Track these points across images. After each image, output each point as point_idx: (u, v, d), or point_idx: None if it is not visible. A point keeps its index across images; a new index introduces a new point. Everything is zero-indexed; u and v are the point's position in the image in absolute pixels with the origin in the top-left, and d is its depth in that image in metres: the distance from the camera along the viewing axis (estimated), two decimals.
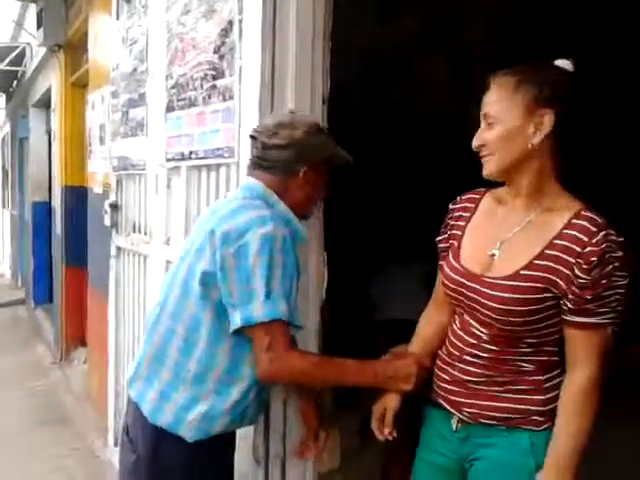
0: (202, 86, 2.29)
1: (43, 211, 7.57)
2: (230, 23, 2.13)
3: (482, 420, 1.50)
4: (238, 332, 1.55)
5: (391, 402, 1.66)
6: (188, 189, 2.40)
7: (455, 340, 1.55)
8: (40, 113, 7.87)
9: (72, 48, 5.53)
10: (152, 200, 2.75)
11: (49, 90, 6.47)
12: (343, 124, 5.08)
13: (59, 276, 6.02)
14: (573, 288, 1.35)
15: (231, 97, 2.13)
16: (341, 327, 4.36)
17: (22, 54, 7.86)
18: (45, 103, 7.20)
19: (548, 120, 1.38)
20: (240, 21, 2.08)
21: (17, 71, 8.50)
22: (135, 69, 2.92)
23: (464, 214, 1.59)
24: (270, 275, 1.50)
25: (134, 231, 3.08)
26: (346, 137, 4.88)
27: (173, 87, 2.47)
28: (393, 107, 5.40)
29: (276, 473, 2.08)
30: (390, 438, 1.66)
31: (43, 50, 6.24)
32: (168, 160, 2.53)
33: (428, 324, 1.70)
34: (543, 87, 1.39)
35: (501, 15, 5.01)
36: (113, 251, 3.37)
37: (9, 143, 11.15)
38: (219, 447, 1.67)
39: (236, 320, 1.52)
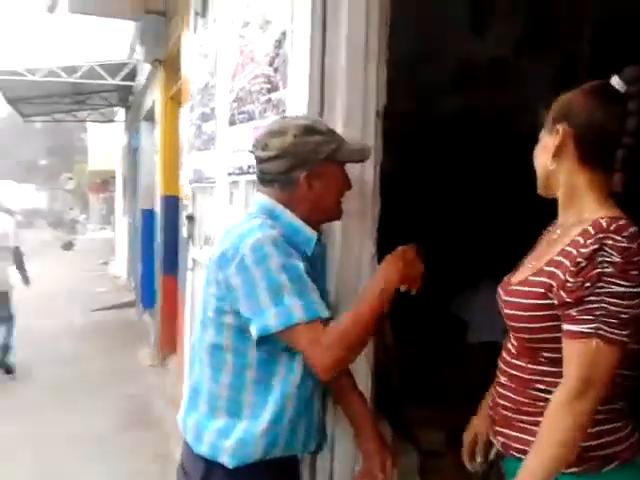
0: (259, 99, 2.23)
1: (150, 218, 7.93)
2: (283, 34, 2.06)
3: (512, 452, 1.42)
4: (260, 349, 1.52)
5: (480, 427, 1.64)
6: (246, 204, 2.36)
7: (500, 361, 1.54)
8: (149, 126, 8.27)
9: (171, 63, 5.73)
10: (219, 213, 2.74)
11: (154, 104, 6.77)
12: (433, 134, 4.92)
13: (159, 282, 6.26)
14: (560, 292, 1.31)
15: (284, 111, 2.06)
16: (430, 350, 4.20)
17: (134, 69, 8.32)
18: (152, 116, 7.56)
19: (561, 133, 1.41)
20: (292, 31, 2.00)
21: (132, 86, 9.02)
22: (207, 83, 2.93)
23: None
24: (274, 282, 1.46)
25: (206, 243, 3.10)
26: (437, 146, 4.68)
27: (234, 101, 2.44)
28: (489, 117, 5.14)
29: None
30: (479, 469, 1.62)
31: (149, 66, 6.54)
32: (229, 174, 2.51)
33: None
34: (561, 103, 1.44)
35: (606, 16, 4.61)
36: (190, 263, 3.41)
37: (127, 154, 11.86)
38: (269, 474, 1.60)
39: (253, 332, 1.49)
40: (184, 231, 3.34)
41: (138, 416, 4.77)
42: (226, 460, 1.55)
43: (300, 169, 1.56)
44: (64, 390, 5.49)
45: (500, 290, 1.54)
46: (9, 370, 5.94)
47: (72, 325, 8.21)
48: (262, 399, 1.55)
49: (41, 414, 4.88)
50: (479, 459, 1.58)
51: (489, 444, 1.58)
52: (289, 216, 1.59)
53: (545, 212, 1.72)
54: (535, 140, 1.58)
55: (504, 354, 1.51)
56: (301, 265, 1.48)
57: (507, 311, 1.46)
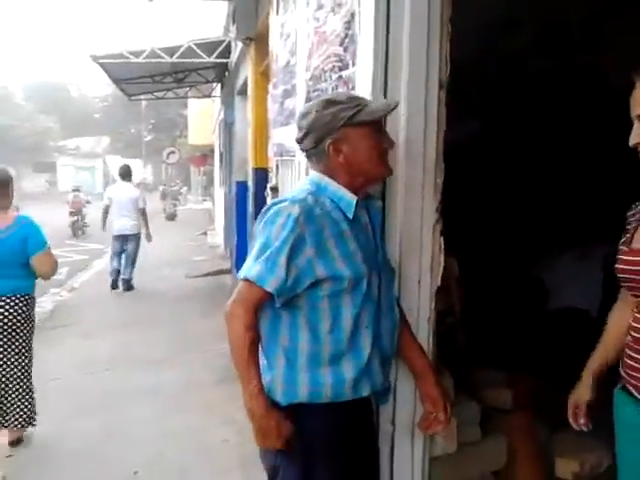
0: (331, 77, 2.39)
1: (244, 190, 8.29)
2: (352, 15, 2.20)
3: None
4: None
5: (585, 395, 1.87)
6: None
7: (638, 325, 1.66)
8: (242, 100, 8.59)
9: (261, 41, 5.95)
10: (298, 185, 2.94)
11: (246, 80, 7.05)
12: (521, 93, 4.83)
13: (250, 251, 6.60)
14: None
15: (353, 87, 2.21)
16: (511, 317, 4.22)
17: (228, 47, 8.65)
18: (245, 91, 7.86)
19: None
20: (359, 13, 2.14)
21: (227, 63, 9.38)
22: (288, 62, 3.12)
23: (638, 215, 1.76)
24: (266, 243, 1.67)
25: None
26: (515, 114, 4.60)
27: (310, 79, 2.62)
28: (581, 76, 4.99)
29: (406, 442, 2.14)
30: (584, 429, 1.88)
31: (241, 44, 6.82)
32: None
33: (619, 318, 1.84)
34: None
35: None
36: None
37: (222, 128, 12.35)
38: (334, 414, 1.77)
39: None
40: (268, 201, 3.58)
41: (230, 372, 5.13)
42: (278, 398, 1.76)
43: (325, 140, 1.73)
44: (167, 346, 5.99)
45: (623, 257, 1.70)
46: (130, 287, 8.66)
47: (173, 290, 8.81)
48: (289, 343, 1.76)
49: (147, 368, 5.39)
50: (582, 420, 1.86)
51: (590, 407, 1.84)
52: (333, 185, 1.76)
53: (622, 185, 1.86)
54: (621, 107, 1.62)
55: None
56: (289, 244, 1.64)
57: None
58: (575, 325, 4.45)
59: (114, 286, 8.72)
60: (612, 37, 4.82)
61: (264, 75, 5.99)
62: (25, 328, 3.66)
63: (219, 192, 15.13)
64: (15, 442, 3.80)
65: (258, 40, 6.03)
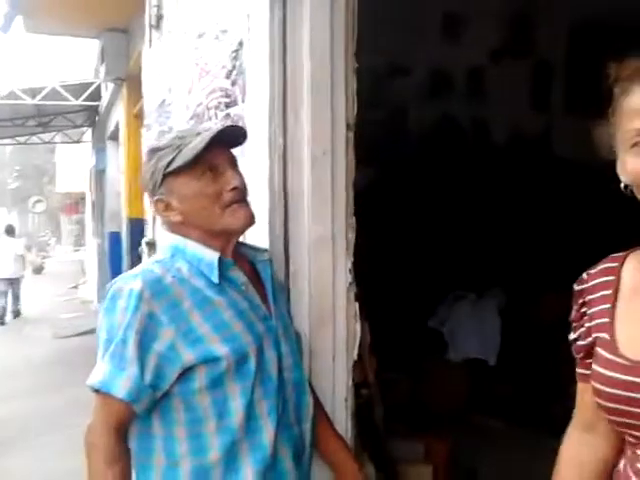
0: (217, 115, 2.04)
1: (117, 241, 7.67)
2: (240, 44, 1.87)
3: None
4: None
5: None
6: None
7: None
8: (115, 145, 8.05)
9: (133, 81, 5.52)
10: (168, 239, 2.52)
11: (118, 123, 6.55)
12: (409, 148, 4.79)
13: None
14: None
15: (244, 126, 1.86)
16: (410, 373, 4.02)
17: (99, 89, 8.09)
18: (117, 136, 7.33)
19: None
20: (249, 40, 1.82)
21: (97, 106, 8.78)
22: (164, 100, 2.73)
23: (605, 292, 1.09)
24: (108, 337, 1.29)
25: None
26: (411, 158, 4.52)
27: (191, 118, 2.24)
28: (463, 128, 5.03)
29: None
30: None
31: (112, 85, 6.33)
32: None
33: (574, 465, 1.17)
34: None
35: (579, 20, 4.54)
36: None
37: (94, 175, 11.57)
38: None
39: None
40: (144, 258, 3.11)
41: None
42: None
43: (154, 197, 1.40)
44: (21, 423, 5.18)
45: (608, 372, 1.01)
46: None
47: (36, 353, 7.88)
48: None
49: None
50: None
51: None
52: (191, 246, 1.38)
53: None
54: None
55: None
56: (134, 328, 1.26)
57: None
58: (479, 375, 4.34)
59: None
60: (492, 87, 4.91)
61: (138, 118, 5.55)
62: None
63: (92, 242, 14.14)
64: None
65: (130, 80, 5.59)
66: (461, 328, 4.59)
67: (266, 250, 1.55)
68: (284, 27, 1.69)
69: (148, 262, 1.41)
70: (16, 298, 11.05)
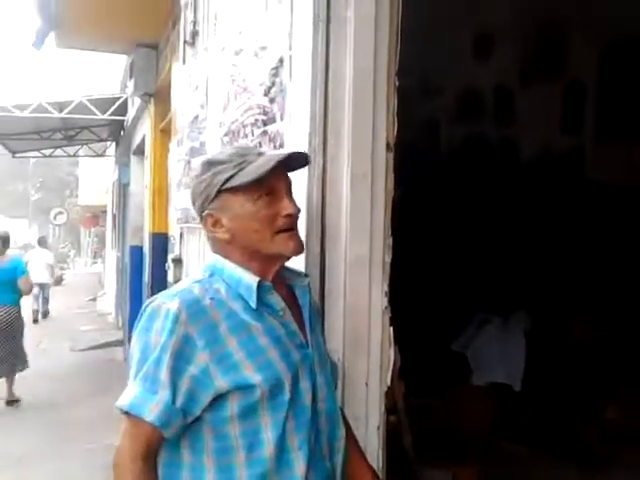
0: (253, 133, 2.02)
1: (139, 255, 7.67)
2: (281, 60, 1.85)
3: None
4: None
5: None
6: None
7: None
8: (139, 160, 8.07)
9: (161, 97, 5.56)
10: (206, 258, 2.50)
11: (144, 138, 6.58)
12: (441, 165, 4.76)
13: None
14: None
15: (282, 145, 1.84)
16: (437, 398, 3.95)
17: (125, 104, 8.16)
18: (142, 150, 7.36)
19: None
20: (290, 58, 1.80)
21: (122, 120, 8.85)
22: (197, 116, 2.72)
23: None
24: (142, 357, 1.25)
25: None
26: (444, 180, 4.50)
27: (226, 134, 2.22)
28: (493, 148, 4.99)
29: None
30: None
31: (139, 100, 6.37)
32: None
33: None
34: None
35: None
36: None
37: (117, 189, 11.66)
38: None
39: None
40: (170, 275, 3.09)
41: None
42: None
43: (204, 210, 1.35)
44: (39, 437, 5.14)
45: None
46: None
47: (54, 367, 7.86)
48: None
49: (8, 466, 4.54)
50: None
51: None
52: (230, 267, 1.33)
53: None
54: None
55: None
56: (169, 351, 1.22)
57: None
58: (503, 401, 4.25)
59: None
60: (522, 108, 4.87)
61: (164, 133, 5.56)
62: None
63: (111, 255, 14.21)
64: None
65: (158, 96, 5.62)
66: (486, 352, 4.50)
67: (306, 275, 1.49)
68: (327, 45, 1.67)
69: (187, 281, 1.36)
70: (45, 301, 12.40)
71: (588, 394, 4.18)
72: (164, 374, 1.21)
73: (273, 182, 1.32)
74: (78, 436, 5.13)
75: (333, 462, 1.40)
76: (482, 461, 3.29)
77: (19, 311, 6.07)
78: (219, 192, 1.32)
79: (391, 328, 1.79)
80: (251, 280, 1.31)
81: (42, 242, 13.21)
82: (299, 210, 1.37)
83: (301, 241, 1.39)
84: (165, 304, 1.25)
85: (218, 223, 1.33)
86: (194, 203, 1.38)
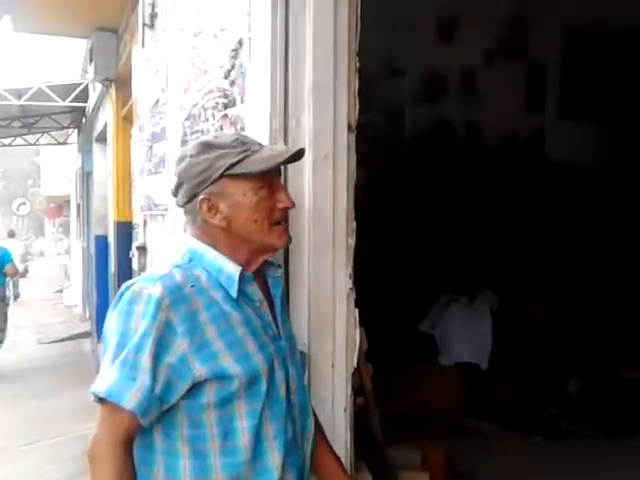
0: (214, 116, 1.98)
1: (104, 245, 7.55)
2: (240, 42, 1.82)
3: None
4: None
5: None
6: None
7: None
8: (102, 147, 7.91)
9: (123, 82, 5.45)
10: (172, 245, 2.47)
11: (106, 125, 6.45)
12: (402, 150, 4.77)
13: None
14: None
15: (242, 128, 1.82)
16: (404, 377, 3.99)
17: (86, 90, 7.97)
18: (105, 138, 7.22)
19: None
20: (250, 39, 1.77)
21: (84, 107, 8.65)
22: (157, 101, 2.67)
23: None
24: (120, 342, 1.21)
25: None
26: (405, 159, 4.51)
27: (187, 118, 2.19)
28: (456, 131, 5.02)
29: None
30: None
31: (100, 86, 6.23)
32: None
33: None
34: None
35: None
36: None
37: (80, 177, 11.43)
38: None
39: None
40: (134, 263, 3.05)
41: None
42: None
43: (198, 194, 1.30)
44: (11, 430, 5.06)
45: None
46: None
47: (21, 360, 7.73)
48: None
49: None
50: None
51: None
52: (211, 255, 1.31)
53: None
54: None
55: None
56: (151, 337, 1.20)
57: None
58: (471, 379, 4.31)
59: None
60: (485, 90, 4.91)
61: (127, 120, 5.46)
62: None
63: (76, 246, 13.97)
64: None
65: (120, 81, 5.50)
66: (453, 332, 4.55)
67: (280, 266, 1.48)
68: (286, 26, 1.65)
69: (166, 265, 1.31)
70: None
71: (551, 371, 4.28)
72: (145, 360, 1.18)
73: (272, 175, 1.32)
74: (47, 428, 5.06)
75: (304, 452, 1.40)
76: (450, 439, 3.35)
77: (4, 291, 7.34)
78: (221, 177, 1.28)
79: (356, 310, 1.79)
80: (233, 270, 1.29)
81: (11, 234, 14.63)
82: (294, 204, 1.37)
83: (290, 235, 1.39)
84: (147, 289, 1.22)
85: (214, 208, 1.29)
86: (181, 185, 1.32)
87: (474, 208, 4.82)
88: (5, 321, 7.39)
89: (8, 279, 8.00)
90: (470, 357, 4.55)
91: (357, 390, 2.23)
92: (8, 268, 7.22)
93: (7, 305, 7.86)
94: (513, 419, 4.05)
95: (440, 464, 2.77)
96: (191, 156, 1.32)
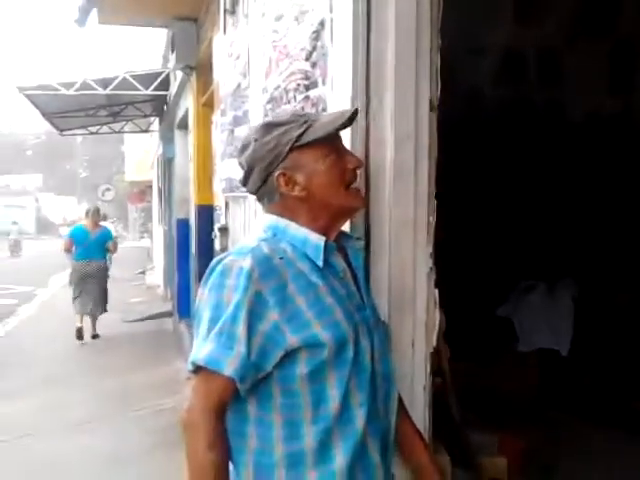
0: (295, 98, 2.02)
1: (185, 228, 7.81)
2: (322, 24, 1.84)
3: None
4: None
5: None
6: None
7: None
8: (183, 134, 8.16)
9: (203, 69, 5.60)
10: (252, 225, 2.54)
11: (187, 112, 6.65)
12: (481, 131, 4.66)
13: (194, 293, 6.12)
14: None
15: (324, 109, 1.85)
16: (483, 363, 3.93)
17: (167, 78, 8.23)
18: (186, 124, 7.44)
19: None
20: (331, 20, 1.79)
21: (165, 95, 8.94)
22: (239, 85, 2.73)
23: None
24: (215, 315, 1.26)
25: None
26: (483, 142, 4.41)
27: (269, 102, 2.23)
28: (538, 111, 4.85)
29: None
30: None
31: (181, 74, 6.42)
32: None
33: None
34: None
35: None
36: None
37: (162, 163, 11.84)
38: None
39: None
40: (216, 243, 3.15)
41: (172, 433, 4.59)
42: None
43: (273, 172, 1.35)
44: (98, 403, 5.36)
45: None
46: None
47: (107, 337, 8.14)
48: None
49: (73, 431, 4.76)
50: None
51: None
52: (293, 227, 1.35)
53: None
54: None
55: None
56: (245, 308, 1.24)
57: None
58: (550, 366, 4.21)
59: None
60: (567, 70, 4.72)
61: (207, 106, 5.62)
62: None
63: (158, 230, 14.50)
64: None
65: (200, 69, 5.66)
66: (533, 318, 4.44)
67: (359, 238, 1.52)
68: (369, 5, 1.66)
69: (253, 239, 1.37)
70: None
71: (636, 363, 4.10)
72: (241, 330, 1.23)
73: (336, 140, 1.38)
74: (128, 402, 5.33)
75: (389, 421, 1.43)
76: (527, 428, 3.28)
77: (107, 265, 8.29)
78: (291, 150, 1.33)
79: (436, 290, 1.79)
80: (318, 240, 1.34)
81: (105, 217, 15.33)
82: (362, 163, 1.43)
83: (363, 196, 1.44)
84: (237, 261, 1.27)
85: (291, 181, 1.34)
86: (253, 168, 1.37)
87: (555, 192, 4.66)
88: (106, 292, 8.16)
89: (109, 255, 8.65)
90: (550, 343, 4.43)
91: (435, 371, 2.24)
92: (110, 245, 8.11)
93: (108, 277, 8.50)
94: (594, 411, 3.92)
95: (517, 451, 2.73)
96: (255, 140, 1.37)
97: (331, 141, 1.36)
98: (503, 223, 4.65)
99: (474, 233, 4.67)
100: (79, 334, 7.66)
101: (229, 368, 1.23)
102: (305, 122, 1.34)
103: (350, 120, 1.41)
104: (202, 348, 1.25)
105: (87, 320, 7.89)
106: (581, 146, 4.70)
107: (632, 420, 3.80)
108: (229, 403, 1.29)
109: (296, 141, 1.33)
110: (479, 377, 3.71)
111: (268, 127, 1.37)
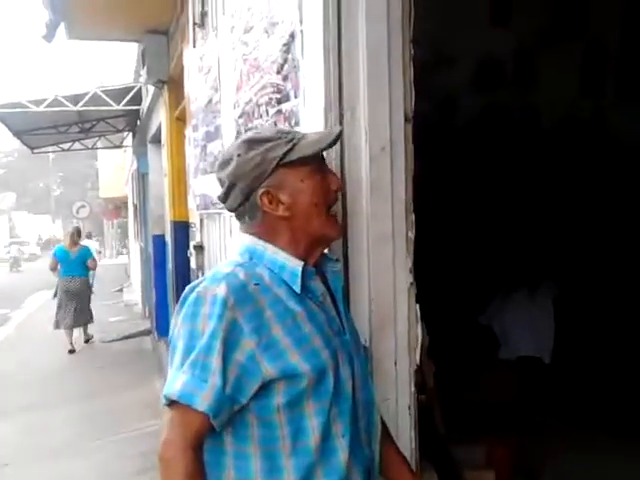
0: (267, 112, 1.97)
1: (162, 244, 7.71)
2: (292, 36, 1.79)
3: None
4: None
5: None
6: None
7: None
8: (156, 149, 8.06)
9: (175, 83, 5.53)
10: (229, 243, 2.47)
11: (160, 126, 6.57)
12: (459, 138, 4.66)
13: (171, 310, 6.02)
14: None
15: (297, 123, 1.80)
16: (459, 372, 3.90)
17: (139, 93, 8.14)
18: (159, 139, 7.35)
19: None
20: (302, 32, 1.74)
21: (138, 110, 8.84)
22: (210, 99, 2.68)
23: None
24: (189, 345, 1.21)
25: None
26: (459, 150, 4.41)
27: (240, 116, 2.18)
28: (513, 116, 4.87)
29: None
30: None
31: (153, 88, 6.35)
32: None
33: None
34: None
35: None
36: None
37: (136, 179, 11.71)
38: None
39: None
40: (192, 262, 3.08)
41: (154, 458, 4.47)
42: None
43: (257, 189, 1.29)
44: (79, 428, 5.22)
45: None
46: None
47: (84, 358, 7.98)
48: None
49: (54, 458, 4.62)
50: None
51: None
52: (271, 251, 1.29)
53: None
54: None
55: None
56: (220, 337, 1.18)
57: None
58: (533, 373, 4.19)
59: None
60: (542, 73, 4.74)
61: (180, 120, 5.54)
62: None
63: (134, 246, 14.33)
64: None
65: (172, 82, 5.59)
66: (514, 325, 4.42)
67: (337, 260, 1.45)
68: (339, 17, 1.62)
69: (228, 264, 1.31)
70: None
71: (619, 362, 4.11)
72: (215, 361, 1.17)
73: (319, 160, 1.34)
74: (111, 425, 5.20)
75: (372, 450, 1.37)
76: (513, 435, 3.25)
77: (88, 281, 9.03)
78: (276, 168, 1.28)
79: (417, 305, 1.75)
80: (295, 265, 1.28)
81: (89, 235, 16.06)
82: (341, 185, 1.39)
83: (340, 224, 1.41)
84: (211, 289, 1.21)
85: (275, 200, 1.29)
86: (234, 184, 1.30)
87: (534, 197, 4.67)
88: (89, 303, 8.98)
89: (91, 272, 9.37)
90: (533, 351, 4.42)
91: (419, 387, 2.19)
92: (90, 262, 8.88)
93: (91, 292, 9.30)
94: (578, 415, 3.91)
95: (505, 461, 2.69)
96: (239, 155, 1.30)
97: (316, 160, 1.32)
98: (482, 230, 4.64)
99: (452, 241, 4.65)
100: (71, 352, 8.36)
101: (203, 403, 1.17)
102: (292, 140, 1.29)
103: (335, 140, 1.36)
104: (176, 380, 1.19)
105: (76, 331, 8.64)
106: (557, 150, 4.72)
107: (615, 423, 3.80)
108: (204, 437, 1.23)
109: (282, 158, 1.27)
110: (464, 389, 3.68)
111: (252, 143, 1.31)
